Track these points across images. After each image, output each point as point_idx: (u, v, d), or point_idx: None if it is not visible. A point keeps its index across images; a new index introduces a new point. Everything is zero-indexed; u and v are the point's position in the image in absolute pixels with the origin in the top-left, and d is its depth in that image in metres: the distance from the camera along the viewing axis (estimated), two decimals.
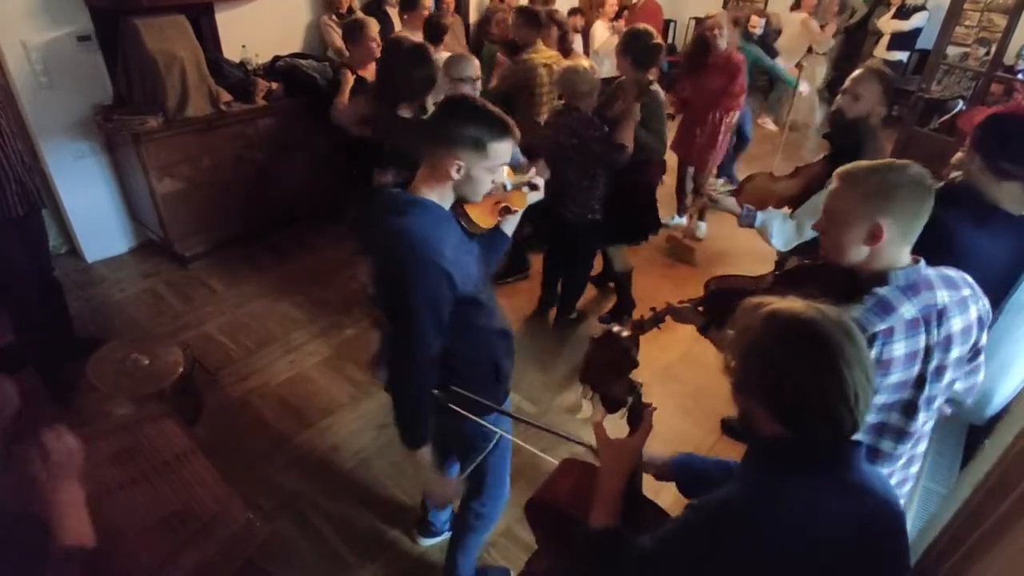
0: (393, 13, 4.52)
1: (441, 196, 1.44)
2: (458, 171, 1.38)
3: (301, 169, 4.21)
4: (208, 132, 3.74)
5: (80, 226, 3.82)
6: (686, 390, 3.10)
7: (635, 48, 2.98)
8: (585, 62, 2.94)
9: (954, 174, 2.15)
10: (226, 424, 2.81)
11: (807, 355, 0.89)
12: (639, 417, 1.12)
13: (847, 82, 2.29)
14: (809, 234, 2.19)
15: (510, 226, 1.67)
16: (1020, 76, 4.94)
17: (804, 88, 5.03)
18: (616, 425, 1.13)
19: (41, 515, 1.16)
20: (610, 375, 1.08)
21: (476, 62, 2.90)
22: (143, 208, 3.89)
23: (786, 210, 2.36)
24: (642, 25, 3.10)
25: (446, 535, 2.31)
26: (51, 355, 2.85)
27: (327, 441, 2.76)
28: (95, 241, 3.91)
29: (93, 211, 3.82)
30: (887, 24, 6.68)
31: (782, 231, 2.20)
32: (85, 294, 3.63)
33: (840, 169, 1.37)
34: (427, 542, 2.33)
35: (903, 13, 6.60)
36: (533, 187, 1.63)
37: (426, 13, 4.05)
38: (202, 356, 3.12)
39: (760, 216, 2.25)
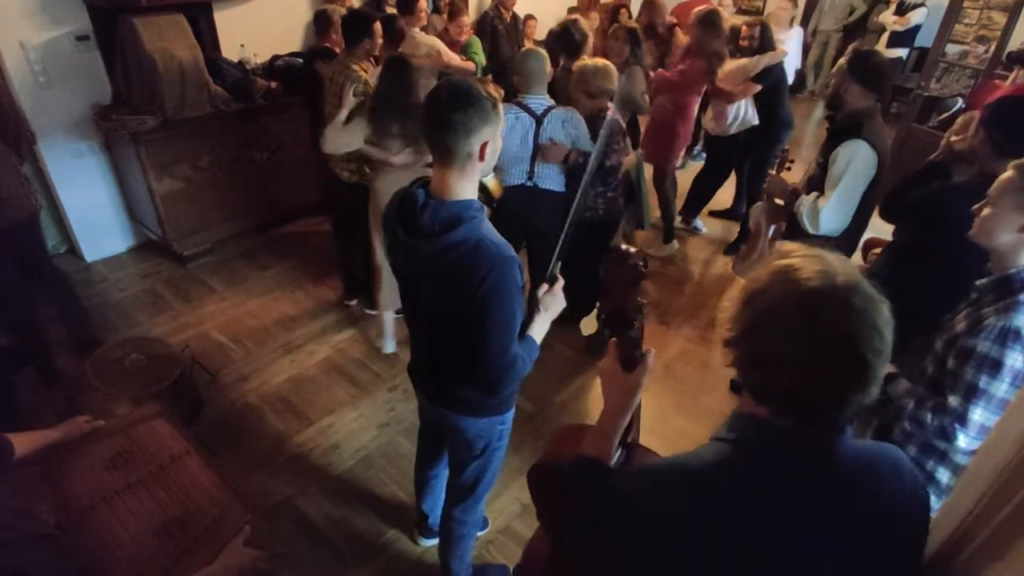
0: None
1: (474, 187, 1.44)
2: (489, 150, 1.40)
3: (299, 168, 4.21)
4: (207, 131, 3.74)
5: (79, 226, 3.82)
6: (685, 388, 3.10)
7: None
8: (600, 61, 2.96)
9: (954, 138, 2.25)
10: (226, 424, 2.81)
11: (801, 339, 0.79)
12: (638, 344, 1.13)
13: (832, 80, 2.41)
14: (833, 221, 2.26)
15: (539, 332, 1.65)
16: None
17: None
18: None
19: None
20: (625, 291, 1.10)
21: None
22: (142, 207, 3.89)
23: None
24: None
25: None
26: (49, 355, 2.86)
27: (327, 440, 2.76)
28: (94, 241, 3.91)
29: (92, 211, 3.82)
30: (889, 18, 6.69)
31: (808, 209, 2.30)
32: (84, 294, 3.62)
33: (1020, 160, 1.47)
34: (427, 542, 2.33)
35: (903, 10, 6.61)
36: None
37: (423, 16, 4.03)
38: (202, 356, 3.12)
39: (801, 198, 2.36)
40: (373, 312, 3.44)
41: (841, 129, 2.30)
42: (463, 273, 1.37)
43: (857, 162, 2.21)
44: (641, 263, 1.10)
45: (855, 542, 0.86)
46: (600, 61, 2.90)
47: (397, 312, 3.32)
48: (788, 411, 0.85)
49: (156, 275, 3.85)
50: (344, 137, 2.81)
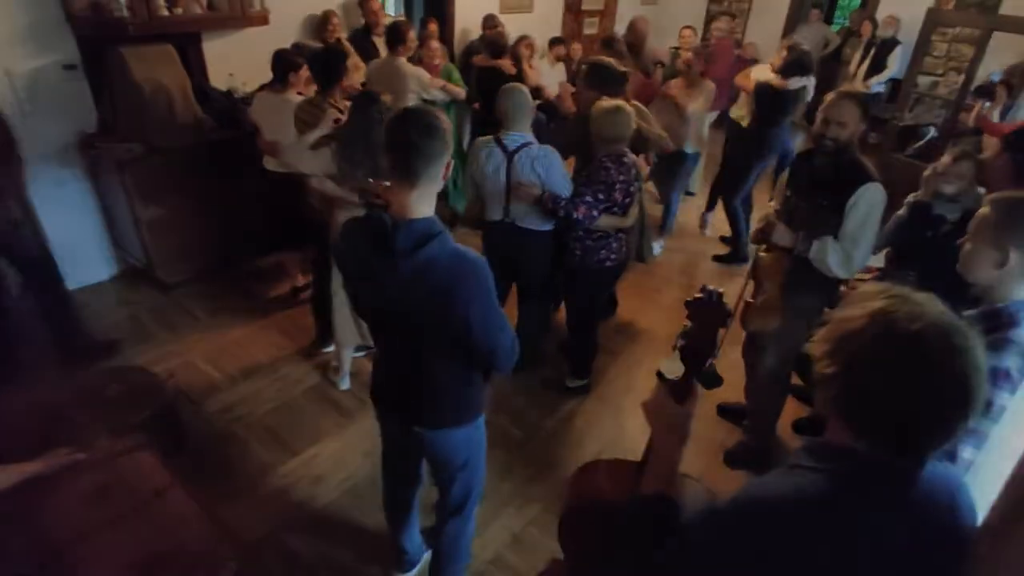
0: (380, 43, 4.58)
1: (433, 205, 1.52)
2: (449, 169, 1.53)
3: (286, 196, 4.20)
4: (193, 159, 3.73)
5: (61, 253, 3.74)
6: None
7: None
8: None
9: (939, 176, 2.36)
10: (210, 454, 2.75)
11: (898, 379, 0.84)
12: (714, 381, 1.13)
13: (827, 111, 2.29)
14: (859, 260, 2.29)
15: None
16: (986, 104, 5.10)
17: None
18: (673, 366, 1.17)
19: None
20: (710, 332, 1.12)
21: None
22: (126, 235, 3.86)
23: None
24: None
25: (425, 555, 2.29)
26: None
27: (312, 470, 2.71)
28: (76, 268, 3.85)
29: (74, 238, 3.77)
30: (860, 83, 6.83)
31: (836, 256, 2.29)
32: None
33: (994, 195, 1.52)
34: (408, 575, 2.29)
35: (875, 47, 6.81)
36: None
37: (413, 46, 4.09)
38: (186, 385, 3.06)
39: (815, 245, 2.31)
40: (328, 350, 3.42)
41: (849, 169, 2.28)
42: (450, 283, 1.44)
43: (876, 203, 2.24)
44: (727, 305, 1.13)
45: (932, 557, 0.92)
46: (614, 103, 2.72)
47: (357, 349, 3.26)
48: (891, 444, 0.88)
49: (139, 303, 3.80)
50: (307, 158, 2.79)
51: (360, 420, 2.99)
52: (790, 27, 7.82)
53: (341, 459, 2.77)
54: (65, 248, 3.75)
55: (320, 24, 4.52)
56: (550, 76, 6.51)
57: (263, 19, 4.04)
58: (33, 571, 1.31)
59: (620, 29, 6.69)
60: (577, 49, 6.43)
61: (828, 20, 8.42)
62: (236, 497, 2.55)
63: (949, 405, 0.83)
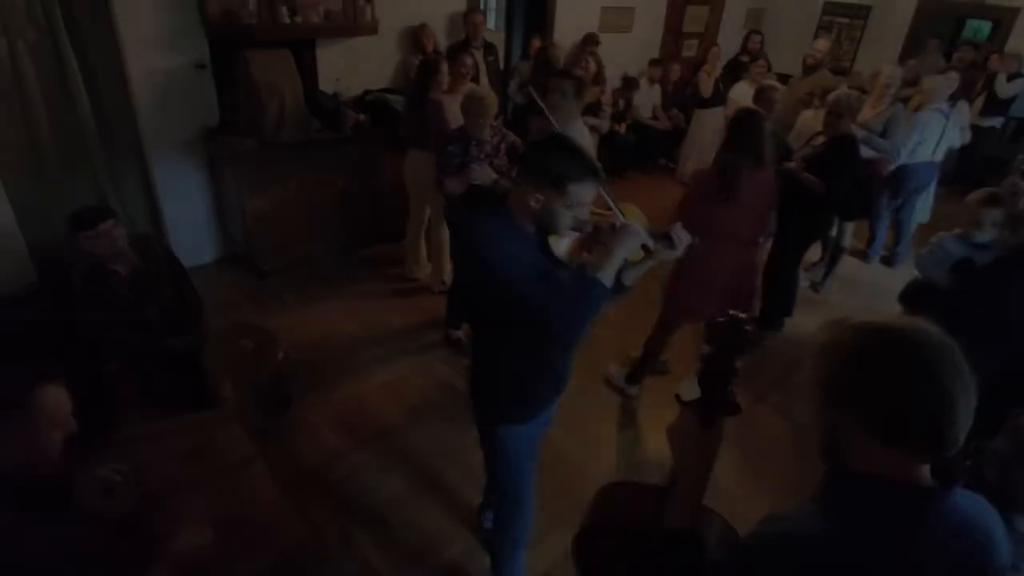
0: (478, 56, 4.72)
1: (527, 217, 1.59)
2: (536, 202, 1.54)
3: (380, 195, 4.42)
4: (298, 156, 4.00)
5: (175, 235, 4.11)
6: (744, 452, 2.98)
7: None
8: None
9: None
10: (284, 436, 2.91)
11: (902, 363, 0.85)
12: (732, 410, 1.10)
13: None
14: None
15: (608, 275, 1.51)
16: None
17: None
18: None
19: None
20: (732, 358, 1.10)
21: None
22: (232, 222, 4.17)
23: None
24: None
25: None
26: None
27: (378, 463, 2.81)
28: (185, 250, 4.15)
29: (188, 222, 4.13)
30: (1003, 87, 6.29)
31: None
32: None
33: None
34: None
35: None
36: (666, 245, 1.67)
37: (464, 71, 3.81)
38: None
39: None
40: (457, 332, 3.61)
41: None
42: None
43: None
44: (749, 332, 1.10)
45: None
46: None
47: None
48: (923, 452, 0.87)
49: (235, 285, 4.09)
50: None
51: (428, 421, 3.07)
52: (905, 58, 7.38)
53: (406, 455, 2.85)
54: (180, 230, 4.11)
55: (415, 36, 4.72)
56: (646, 97, 6.46)
57: (373, 28, 4.28)
58: (128, 513, 1.44)
59: (728, 44, 6.41)
60: (676, 71, 6.34)
61: (949, 53, 7.86)
62: (304, 480, 2.68)
63: (937, 397, 0.83)
